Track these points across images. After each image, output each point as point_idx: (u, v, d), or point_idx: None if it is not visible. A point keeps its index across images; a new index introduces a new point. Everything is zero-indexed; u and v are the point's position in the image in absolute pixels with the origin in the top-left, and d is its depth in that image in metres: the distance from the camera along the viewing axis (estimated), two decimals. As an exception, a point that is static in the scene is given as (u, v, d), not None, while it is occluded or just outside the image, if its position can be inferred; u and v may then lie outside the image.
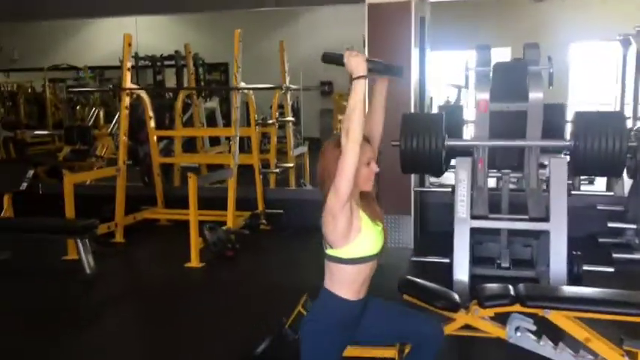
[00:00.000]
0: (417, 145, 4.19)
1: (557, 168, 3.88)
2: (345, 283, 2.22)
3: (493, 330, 3.15)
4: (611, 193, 6.02)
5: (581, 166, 3.94)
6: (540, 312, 3.06)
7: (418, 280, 3.35)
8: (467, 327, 3.18)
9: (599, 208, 5.62)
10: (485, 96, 4.25)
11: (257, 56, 7.32)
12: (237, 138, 5.71)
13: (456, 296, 3.20)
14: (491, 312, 3.14)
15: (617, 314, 2.96)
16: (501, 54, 11.82)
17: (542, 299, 3.04)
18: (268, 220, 6.06)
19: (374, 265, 2.28)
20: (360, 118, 2.03)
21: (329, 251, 2.23)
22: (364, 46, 5.43)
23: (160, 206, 6.49)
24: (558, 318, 3.04)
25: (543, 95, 4.18)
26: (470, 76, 4.55)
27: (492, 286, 3.17)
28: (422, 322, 2.51)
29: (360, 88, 2.06)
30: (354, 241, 2.17)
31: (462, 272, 3.86)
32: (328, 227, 2.16)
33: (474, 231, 4.40)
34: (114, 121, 8.68)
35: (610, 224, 5.16)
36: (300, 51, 7.83)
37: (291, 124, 7.16)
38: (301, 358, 2.31)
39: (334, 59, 2.26)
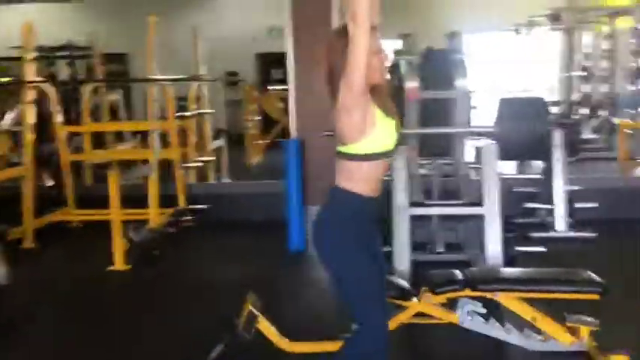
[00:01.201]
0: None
1: (488, 153, 3.99)
2: (361, 180, 2.14)
3: (445, 316, 3.21)
4: (524, 176, 6.30)
5: (506, 150, 4.08)
6: (490, 295, 3.15)
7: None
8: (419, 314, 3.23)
9: (514, 190, 5.86)
10: (414, 84, 4.30)
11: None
12: (158, 132, 5.45)
13: (407, 285, 3.22)
14: (443, 298, 3.19)
15: (561, 292, 3.09)
16: (394, 45, 12.28)
17: (491, 282, 3.12)
18: (192, 216, 5.85)
19: (388, 163, 2.21)
20: (365, 1, 1.92)
21: (343, 148, 2.13)
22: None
23: (72, 207, 6.10)
24: (507, 300, 3.13)
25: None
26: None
27: (442, 272, 3.21)
28: None
29: None
30: (370, 136, 2.09)
31: (403, 260, 3.89)
32: (342, 123, 2.08)
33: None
34: (8, 117, 8.03)
35: (525, 205, 5.39)
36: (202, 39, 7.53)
37: (207, 116, 6.95)
38: (321, 258, 2.23)
39: None
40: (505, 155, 4.32)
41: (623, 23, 9.09)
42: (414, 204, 4.00)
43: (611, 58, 8.95)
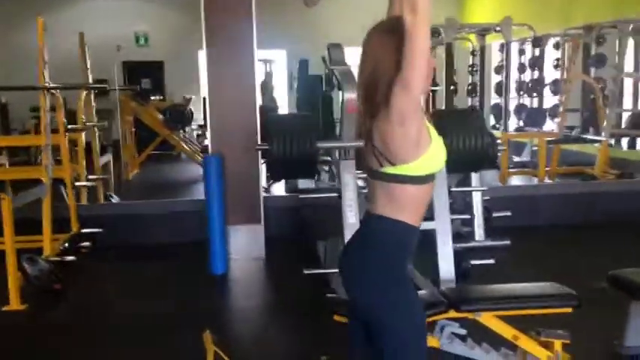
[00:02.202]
0: (290, 148, 3.89)
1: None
2: (410, 207, 1.80)
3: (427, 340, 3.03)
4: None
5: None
6: (471, 315, 3.01)
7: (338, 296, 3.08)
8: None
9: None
10: (354, 95, 4.09)
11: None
12: (49, 147, 4.75)
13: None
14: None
15: (540, 308, 3.04)
16: (278, 56, 12.15)
17: (474, 302, 2.98)
18: (91, 242, 5.17)
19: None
20: None
21: (392, 170, 1.77)
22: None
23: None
24: (489, 319, 3.01)
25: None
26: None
27: (423, 295, 3.03)
28: None
29: None
30: (427, 153, 1.77)
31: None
32: (395, 137, 1.73)
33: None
34: None
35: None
36: (60, 44, 6.81)
37: (96, 128, 6.24)
38: (366, 307, 1.86)
39: None
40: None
41: (492, 40, 9.68)
42: (364, 221, 3.79)
43: (479, 73, 9.45)
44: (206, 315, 3.99)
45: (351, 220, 3.76)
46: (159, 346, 3.49)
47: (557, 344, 3.04)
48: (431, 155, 1.78)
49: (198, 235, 5.48)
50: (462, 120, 4.17)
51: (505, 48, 8.70)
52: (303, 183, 7.02)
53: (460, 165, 4.03)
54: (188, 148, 9.84)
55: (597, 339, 3.32)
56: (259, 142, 4.57)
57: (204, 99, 10.47)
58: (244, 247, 5.04)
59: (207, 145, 7.13)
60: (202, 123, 10.67)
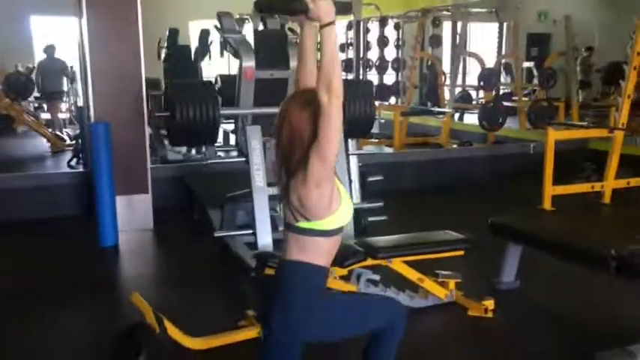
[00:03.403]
0: (193, 115, 3.94)
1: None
2: (322, 255, 2.00)
3: (347, 287, 3.32)
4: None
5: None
6: (384, 262, 3.37)
7: (269, 251, 3.24)
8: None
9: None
10: (251, 63, 4.22)
11: None
12: None
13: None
14: (345, 271, 3.31)
15: (440, 252, 3.48)
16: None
17: (388, 251, 3.33)
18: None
19: None
20: (340, 68, 1.86)
21: (307, 225, 1.96)
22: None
23: None
24: (398, 265, 3.39)
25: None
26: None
27: (344, 246, 3.30)
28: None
29: (334, 35, 1.88)
30: (338, 210, 1.97)
31: (266, 239, 3.85)
32: (311, 198, 1.91)
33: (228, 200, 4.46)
34: None
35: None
36: None
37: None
38: (313, 337, 2.04)
39: (288, 6, 2.01)
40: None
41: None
42: (270, 184, 3.97)
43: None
44: (105, 286, 3.94)
45: (260, 183, 3.92)
46: (51, 319, 3.40)
47: (452, 283, 3.53)
48: (341, 212, 1.99)
49: (76, 208, 5.29)
50: (356, 89, 4.47)
51: (355, 26, 9.23)
52: (171, 154, 6.97)
53: (354, 131, 4.36)
54: (31, 120, 9.15)
55: (480, 277, 3.84)
56: (159, 110, 4.51)
57: (37, 67, 9.88)
58: (132, 218, 4.95)
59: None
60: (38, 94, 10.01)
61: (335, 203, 1.96)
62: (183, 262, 4.46)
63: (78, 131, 7.66)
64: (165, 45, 7.36)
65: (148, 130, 5.11)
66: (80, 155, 7.09)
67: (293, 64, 4.30)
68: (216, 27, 4.51)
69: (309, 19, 1.95)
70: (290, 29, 4.72)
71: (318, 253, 1.99)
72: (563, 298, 3.71)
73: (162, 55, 7.39)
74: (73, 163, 7.40)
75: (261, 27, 4.56)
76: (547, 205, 5.72)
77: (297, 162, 1.91)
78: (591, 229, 3.84)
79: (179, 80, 4.98)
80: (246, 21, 5.62)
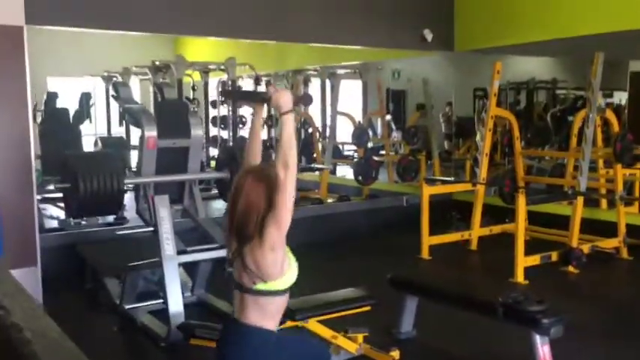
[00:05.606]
0: (98, 186, 3.93)
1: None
2: (275, 314, 2.24)
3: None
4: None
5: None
6: (301, 323, 3.54)
7: (193, 321, 3.29)
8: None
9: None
10: (154, 133, 4.29)
11: None
12: None
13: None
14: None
15: (350, 309, 3.73)
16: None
17: (304, 312, 3.52)
18: None
19: None
20: (295, 149, 2.15)
21: (263, 286, 2.17)
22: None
23: None
24: (314, 325, 3.58)
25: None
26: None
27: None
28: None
29: (292, 121, 2.19)
30: (290, 270, 2.22)
31: (178, 308, 3.88)
32: (267, 261, 2.14)
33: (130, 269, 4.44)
34: None
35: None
36: None
37: None
38: None
39: (253, 96, 2.30)
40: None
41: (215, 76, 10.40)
42: (180, 252, 4.03)
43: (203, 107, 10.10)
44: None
45: (169, 252, 3.97)
46: None
47: (360, 337, 3.78)
48: (292, 273, 2.24)
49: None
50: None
51: (230, 84, 9.47)
52: (47, 222, 6.67)
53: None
54: None
55: (383, 329, 4.13)
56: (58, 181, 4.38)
57: None
58: (20, 292, 4.69)
59: None
60: None
61: (286, 264, 2.20)
62: (86, 337, 4.28)
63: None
64: (42, 108, 7.13)
65: (36, 198, 4.93)
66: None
67: (194, 132, 4.44)
68: (113, 96, 4.55)
69: (270, 107, 2.27)
70: (187, 98, 4.88)
71: (274, 312, 2.22)
72: (457, 343, 4.10)
73: (39, 119, 7.14)
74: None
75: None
76: (425, 254, 6.24)
77: (252, 229, 2.12)
78: (471, 276, 4.33)
79: (74, 152, 4.87)
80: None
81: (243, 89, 9.11)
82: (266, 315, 2.20)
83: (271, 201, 2.12)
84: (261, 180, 2.16)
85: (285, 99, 2.18)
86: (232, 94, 2.42)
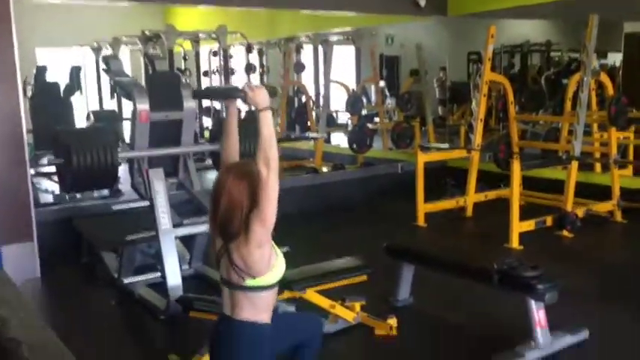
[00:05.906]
0: (92, 161, 3.91)
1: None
2: (266, 308, 2.25)
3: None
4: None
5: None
6: (297, 294, 3.57)
7: (191, 294, 3.31)
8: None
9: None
10: (146, 106, 4.24)
11: None
12: None
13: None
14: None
15: (347, 279, 3.75)
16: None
17: (300, 283, 3.54)
18: None
19: None
20: (276, 146, 2.14)
21: (252, 282, 2.18)
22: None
23: None
24: (311, 295, 3.61)
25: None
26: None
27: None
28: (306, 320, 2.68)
29: (270, 118, 2.18)
30: (277, 266, 2.23)
31: (176, 281, 3.90)
32: (254, 257, 2.15)
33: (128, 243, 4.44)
34: None
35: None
36: None
37: None
38: None
39: (229, 93, 2.28)
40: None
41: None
42: (176, 225, 4.03)
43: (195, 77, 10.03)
44: None
45: (166, 226, 3.96)
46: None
47: (357, 306, 3.82)
48: (279, 266, 2.24)
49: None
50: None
51: (221, 53, 9.37)
52: (42, 197, 6.65)
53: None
54: None
55: (380, 297, 4.16)
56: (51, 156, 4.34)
57: None
58: (16, 267, 4.69)
59: None
60: None
61: (273, 258, 2.21)
62: (83, 311, 4.32)
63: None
64: (32, 82, 7.04)
65: (30, 172, 4.90)
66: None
67: (187, 104, 4.39)
68: (104, 69, 4.48)
69: (246, 105, 2.23)
70: (179, 69, 4.82)
71: (266, 305, 2.23)
72: (454, 309, 4.14)
73: (29, 93, 7.05)
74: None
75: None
76: (421, 221, 6.26)
77: (237, 227, 2.12)
78: (467, 243, 4.35)
79: (66, 127, 4.83)
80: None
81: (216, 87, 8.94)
82: (259, 309, 2.20)
83: (254, 198, 2.10)
84: (243, 177, 2.13)
85: (262, 96, 2.15)
86: (206, 93, 2.37)
